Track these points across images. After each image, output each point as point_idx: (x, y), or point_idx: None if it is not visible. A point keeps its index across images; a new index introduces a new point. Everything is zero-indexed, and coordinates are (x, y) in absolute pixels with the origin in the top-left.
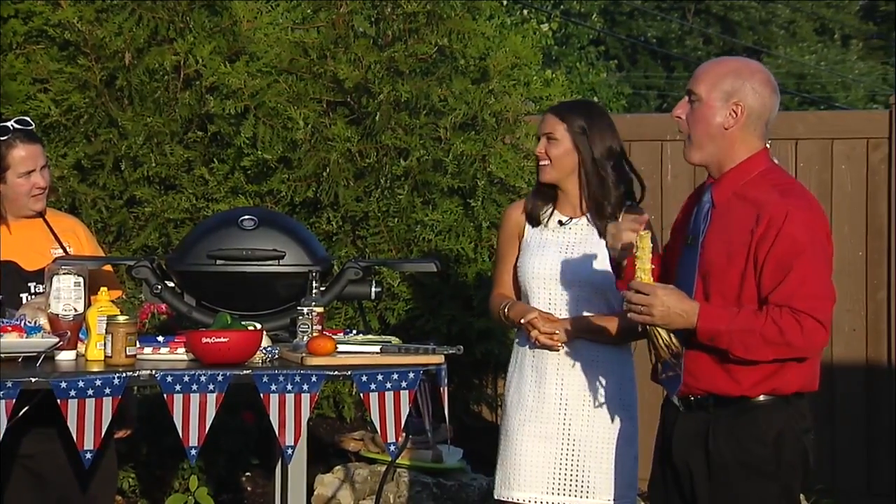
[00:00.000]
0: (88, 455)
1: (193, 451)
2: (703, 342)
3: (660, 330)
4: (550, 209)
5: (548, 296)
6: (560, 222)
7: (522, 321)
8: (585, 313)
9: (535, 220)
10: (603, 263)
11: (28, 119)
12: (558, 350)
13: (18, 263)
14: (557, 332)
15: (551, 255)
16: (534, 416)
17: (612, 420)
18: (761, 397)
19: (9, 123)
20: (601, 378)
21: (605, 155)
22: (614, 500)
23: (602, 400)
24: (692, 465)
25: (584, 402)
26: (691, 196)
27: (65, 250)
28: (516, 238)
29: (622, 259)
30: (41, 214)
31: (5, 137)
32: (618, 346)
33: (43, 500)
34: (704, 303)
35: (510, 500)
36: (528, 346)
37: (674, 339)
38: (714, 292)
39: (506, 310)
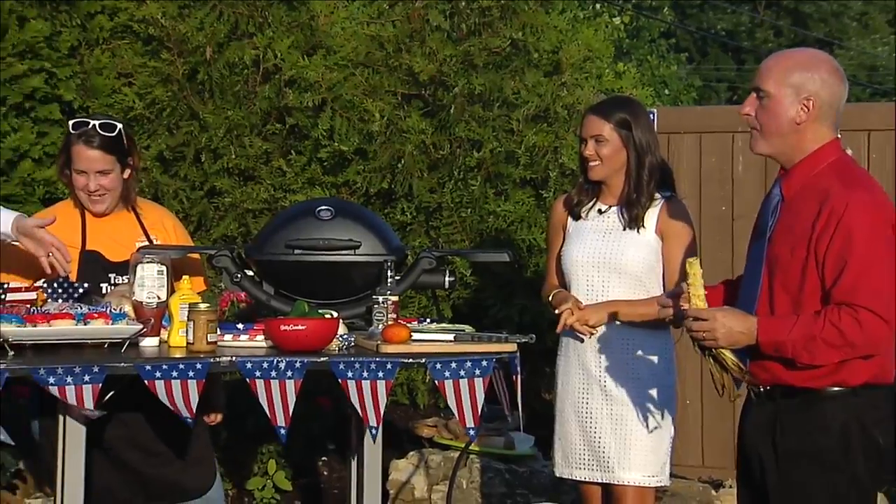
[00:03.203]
0: (189, 420)
1: (283, 431)
2: (769, 354)
3: (725, 351)
4: (593, 202)
5: (587, 281)
6: (599, 211)
7: (556, 311)
8: (622, 297)
9: (576, 215)
10: (637, 248)
11: (113, 123)
12: (587, 337)
13: (102, 254)
14: (588, 322)
15: (589, 243)
16: (579, 398)
17: (650, 400)
18: (827, 388)
19: (91, 122)
20: (639, 360)
21: (646, 148)
22: (650, 476)
23: (640, 381)
24: (762, 455)
25: (623, 383)
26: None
27: (151, 243)
28: (561, 230)
29: (678, 293)
30: (132, 207)
31: (74, 132)
32: (656, 329)
33: (126, 484)
34: (763, 316)
35: (570, 477)
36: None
37: (736, 358)
38: (778, 286)
39: (550, 298)
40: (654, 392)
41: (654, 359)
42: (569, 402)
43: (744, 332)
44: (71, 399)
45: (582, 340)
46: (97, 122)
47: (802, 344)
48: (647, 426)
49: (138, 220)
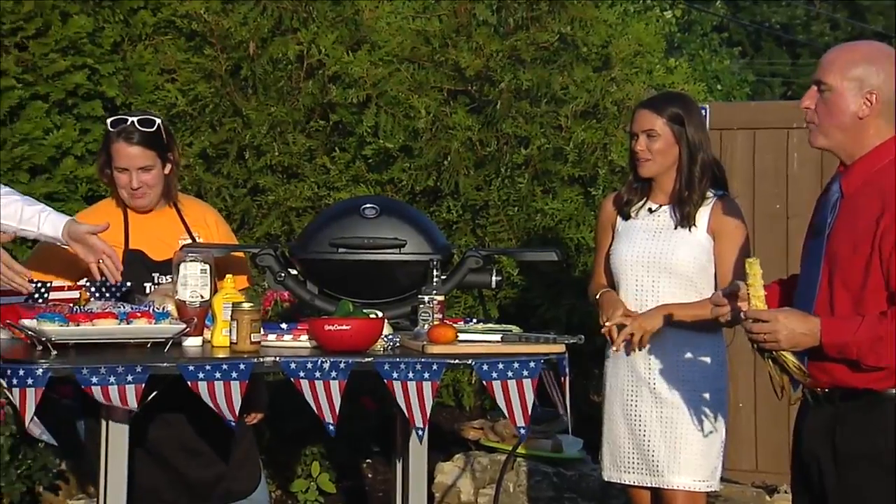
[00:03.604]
0: (233, 423)
1: (332, 427)
2: (833, 356)
3: (786, 354)
4: (644, 201)
5: (636, 281)
6: (650, 209)
7: (605, 323)
8: (673, 299)
9: (625, 214)
10: (689, 248)
11: (151, 119)
12: (637, 351)
13: (146, 253)
14: (646, 330)
15: (639, 242)
16: (628, 400)
17: (701, 403)
18: (889, 390)
19: (129, 119)
20: (690, 361)
21: (698, 144)
22: (700, 480)
23: (690, 383)
24: (820, 459)
25: (673, 386)
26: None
27: (194, 240)
28: (609, 229)
29: (734, 291)
30: (174, 203)
31: (113, 130)
32: (708, 330)
33: (171, 484)
34: (825, 317)
35: (619, 481)
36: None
37: (797, 360)
38: (838, 283)
39: (598, 297)
40: (705, 395)
41: (706, 360)
42: (617, 404)
43: (806, 333)
44: (114, 399)
45: (628, 353)
46: (135, 119)
47: (868, 346)
48: (698, 429)
49: (180, 217)
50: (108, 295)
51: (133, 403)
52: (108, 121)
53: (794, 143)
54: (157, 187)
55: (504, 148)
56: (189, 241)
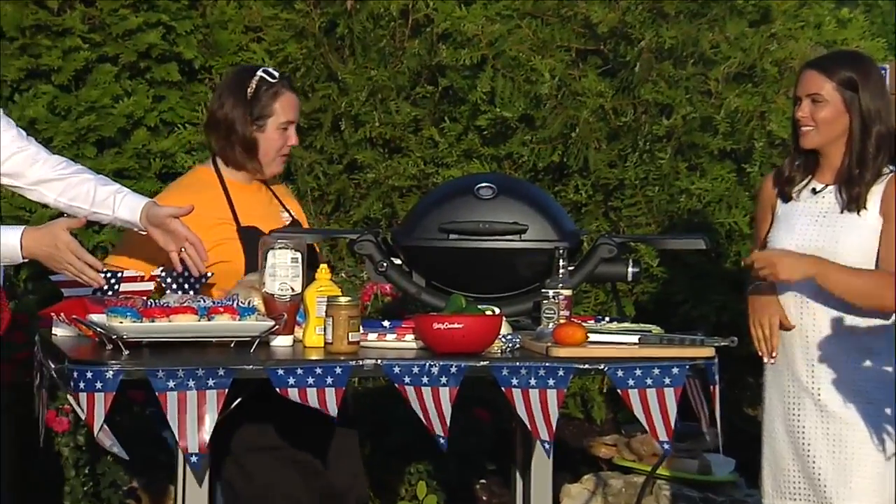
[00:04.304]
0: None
1: (442, 440)
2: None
3: None
4: (808, 179)
5: None
6: (813, 190)
7: (752, 330)
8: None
9: (786, 196)
10: (858, 234)
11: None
12: (771, 360)
13: (260, 229)
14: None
15: (800, 228)
16: (790, 413)
17: (877, 417)
18: None
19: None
20: (862, 370)
21: (874, 114)
22: None
23: (863, 394)
24: None
25: (842, 396)
26: None
27: (291, 216)
28: (769, 212)
29: None
30: (263, 179)
31: (274, 81)
32: (885, 329)
33: (309, 489)
34: None
35: None
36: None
37: None
38: None
39: (748, 293)
40: (885, 409)
41: (884, 368)
42: (779, 418)
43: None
44: (192, 407)
45: (773, 359)
46: (262, 70)
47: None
48: (874, 449)
49: (271, 192)
50: (186, 287)
51: (214, 411)
52: (261, 70)
53: None
54: None
55: (642, 117)
56: (288, 217)
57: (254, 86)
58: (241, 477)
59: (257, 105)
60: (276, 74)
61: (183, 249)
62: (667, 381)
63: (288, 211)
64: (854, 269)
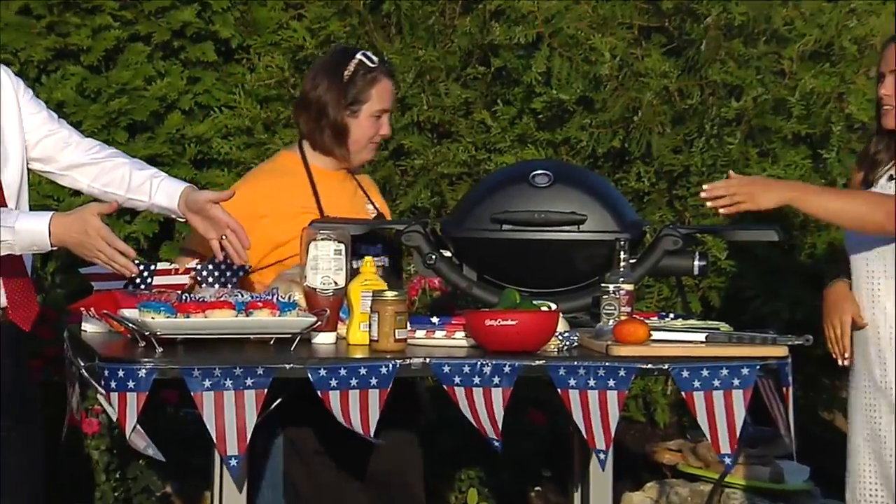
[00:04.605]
0: (374, 441)
1: (497, 443)
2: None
3: None
4: (892, 164)
5: (866, 267)
6: (890, 176)
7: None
8: None
9: (869, 182)
10: None
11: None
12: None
13: None
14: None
15: None
16: (868, 416)
17: None
18: None
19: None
20: None
21: None
22: None
23: None
24: None
25: None
26: None
27: (376, 209)
28: None
29: None
30: (350, 167)
31: (373, 66)
32: None
33: (371, 497)
34: None
35: None
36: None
37: None
38: None
39: (825, 289)
40: None
41: None
42: (859, 422)
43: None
44: (229, 408)
45: (846, 361)
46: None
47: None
48: None
49: (356, 182)
50: (223, 280)
51: (252, 413)
52: (360, 53)
53: None
54: None
55: (710, 100)
56: (373, 210)
57: (351, 69)
58: (306, 478)
59: (353, 90)
60: (376, 59)
61: (224, 237)
62: (735, 382)
63: (373, 204)
64: (836, 190)
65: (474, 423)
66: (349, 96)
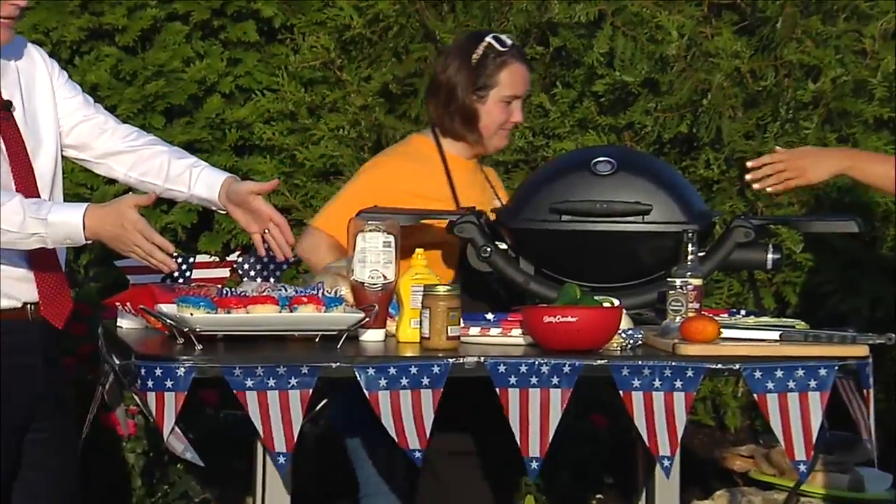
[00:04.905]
0: (418, 454)
1: (535, 465)
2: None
3: None
4: None
5: None
6: None
7: None
8: None
9: None
10: None
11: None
12: None
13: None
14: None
15: None
16: None
17: None
18: None
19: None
20: None
21: None
22: None
23: None
24: None
25: None
26: None
27: (501, 201)
28: None
29: None
30: (485, 153)
31: (503, 50)
32: None
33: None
34: None
35: None
36: None
37: None
38: None
39: None
40: None
41: None
42: None
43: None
44: (274, 407)
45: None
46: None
47: None
48: None
49: (483, 173)
50: (265, 274)
51: (298, 414)
52: (490, 36)
53: None
54: None
55: (785, 81)
56: (498, 203)
57: (480, 52)
58: (435, 485)
59: (482, 74)
60: (508, 43)
61: (267, 231)
62: (812, 384)
63: (500, 199)
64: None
65: (517, 439)
66: (478, 81)
